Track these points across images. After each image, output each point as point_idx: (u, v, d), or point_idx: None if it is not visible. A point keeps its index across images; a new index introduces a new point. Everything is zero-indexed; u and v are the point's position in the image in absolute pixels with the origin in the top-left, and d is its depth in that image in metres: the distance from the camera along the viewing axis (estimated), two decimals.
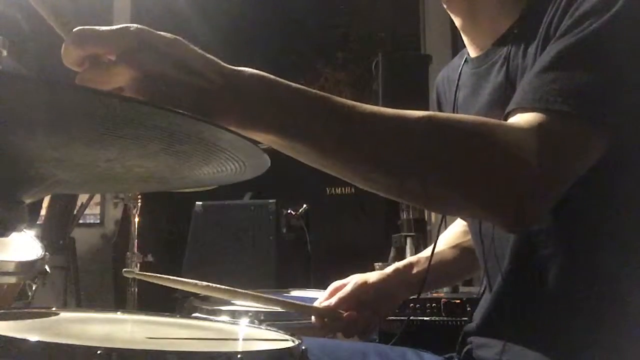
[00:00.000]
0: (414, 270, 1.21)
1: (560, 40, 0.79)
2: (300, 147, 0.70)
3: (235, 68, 0.68)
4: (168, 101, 0.61)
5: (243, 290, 1.05)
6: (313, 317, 1.13)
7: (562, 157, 0.74)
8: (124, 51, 0.62)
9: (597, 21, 0.76)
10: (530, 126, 0.74)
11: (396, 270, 1.20)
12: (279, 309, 1.10)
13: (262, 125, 0.68)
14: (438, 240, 1.24)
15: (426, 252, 1.24)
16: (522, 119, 0.76)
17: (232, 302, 1.39)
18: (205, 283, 1.01)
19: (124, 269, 1.03)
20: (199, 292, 1.06)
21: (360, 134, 0.71)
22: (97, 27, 0.62)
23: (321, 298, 1.16)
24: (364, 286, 1.14)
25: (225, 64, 0.67)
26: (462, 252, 1.24)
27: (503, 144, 0.73)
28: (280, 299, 1.10)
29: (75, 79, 0.63)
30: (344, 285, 1.15)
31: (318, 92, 0.70)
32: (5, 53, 1.65)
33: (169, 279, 0.99)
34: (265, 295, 1.08)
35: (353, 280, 1.15)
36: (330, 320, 1.11)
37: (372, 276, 1.17)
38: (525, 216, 0.74)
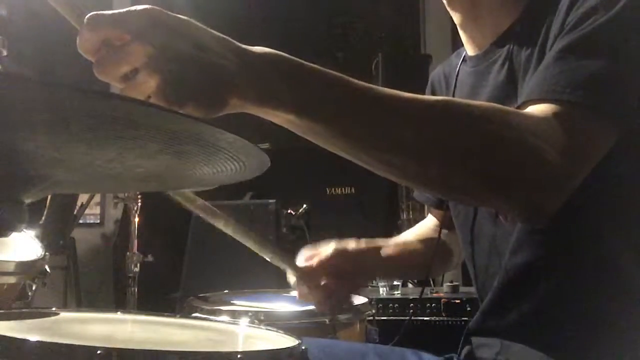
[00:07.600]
0: (384, 254, 1.15)
1: (566, 36, 0.79)
2: (317, 128, 0.69)
3: (250, 47, 0.67)
4: (183, 80, 0.62)
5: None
6: (294, 279, 1.05)
7: (575, 145, 0.74)
8: (138, 29, 0.62)
9: (603, 17, 0.77)
10: (543, 115, 0.74)
11: (371, 247, 1.14)
12: (266, 255, 1.04)
13: (277, 104, 0.68)
14: (407, 233, 1.22)
15: (396, 239, 1.21)
16: (534, 109, 0.76)
17: (232, 302, 1.39)
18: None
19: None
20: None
21: (377, 116, 0.70)
22: (109, 11, 0.63)
23: (299, 262, 1.07)
24: (344, 254, 1.07)
25: (239, 43, 0.67)
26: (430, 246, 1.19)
27: (517, 131, 0.72)
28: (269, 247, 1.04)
29: (93, 66, 0.64)
30: (318, 253, 1.07)
31: (334, 72, 0.69)
32: (5, 53, 1.64)
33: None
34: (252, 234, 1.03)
35: (332, 247, 1.07)
36: (312, 287, 1.02)
37: (350, 245, 1.09)
38: (543, 206, 0.74)
